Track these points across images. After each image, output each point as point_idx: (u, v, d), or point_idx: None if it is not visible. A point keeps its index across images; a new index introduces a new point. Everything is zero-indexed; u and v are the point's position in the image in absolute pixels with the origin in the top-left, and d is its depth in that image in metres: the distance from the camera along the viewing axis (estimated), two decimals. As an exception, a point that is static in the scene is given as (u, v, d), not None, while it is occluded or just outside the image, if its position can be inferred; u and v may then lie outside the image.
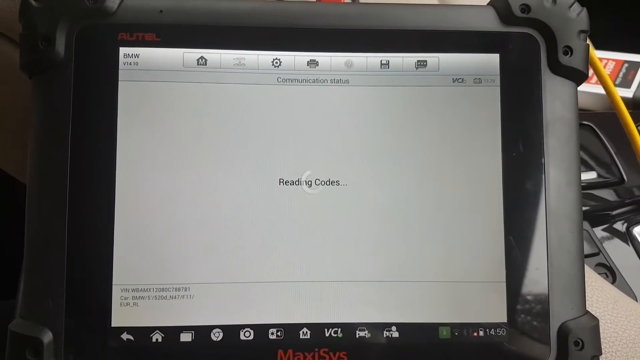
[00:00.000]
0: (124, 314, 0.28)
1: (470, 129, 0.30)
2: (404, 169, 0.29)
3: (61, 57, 0.28)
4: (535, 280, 0.29)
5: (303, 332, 0.28)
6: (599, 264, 0.41)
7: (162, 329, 0.28)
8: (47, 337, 0.27)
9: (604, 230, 0.44)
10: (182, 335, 0.28)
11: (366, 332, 0.28)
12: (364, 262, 0.29)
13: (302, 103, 0.29)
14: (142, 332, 0.28)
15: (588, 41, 0.31)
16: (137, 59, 0.29)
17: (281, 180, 0.29)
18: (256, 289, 0.28)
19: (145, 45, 0.29)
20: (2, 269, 0.51)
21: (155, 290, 0.28)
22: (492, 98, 0.30)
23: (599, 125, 0.48)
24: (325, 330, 0.28)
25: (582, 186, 0.43)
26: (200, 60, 0.29)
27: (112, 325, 0.27)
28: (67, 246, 0.27)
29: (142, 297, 0.28)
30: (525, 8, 0.30)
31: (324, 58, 0.30)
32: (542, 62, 0.30)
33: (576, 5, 0.30)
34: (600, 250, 0.42)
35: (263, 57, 0.29)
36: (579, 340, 0.28)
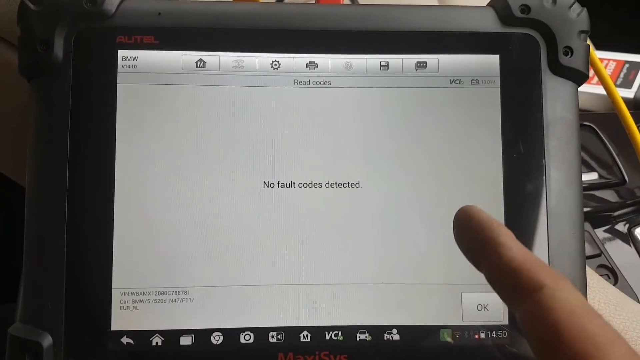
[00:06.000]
0: (124, 318, 0.28)
1: (470, 130, 0.30)
2: (404, 171, 0.29)
3: (59, 61, 0.28)
4: (537, 282, 0.29)
5: (303, 335, 0.28)
6: (601, 266, 0.41)
7: (162, 332, 0.28)
8: (47, 341, 0.27)
9: (605, 231, 0.44)
10: (182, 338, 0.28)
11: (367, 334, 0.28)
12: (365, 264, 0.29)
13: (302, 105, 0.29)
14: (142, 336, 0.28)
15: (588, 41, 0.31)
16: (135, 62, 0.29)
17: (281, 183, 0.29)
18: (256, 292, 0.28)
19: (143, 48, 0.29)
20: (2, 273, 0.51)
21: (155, 293, 0.28)
22: (492, 99, 0.30)
23: (600, 126, 0.48)
24: (326, 333, 0.28)
25: (584, 187, 0.43)
26: (199, 62, 0.29)
27: (112, 328, 0.27)
28: (67, 250, 0.27)
29: (142, 301, 0.28)
30: (525, 8, 0.30)
31: (323, 60, 0.29)
32: (543, 63, 0.30)
33: (576, 6, 0.30)
34: (601, 252, 0.42)
35: (262, 59, 0.29)
36: (581, 342, 0.28)
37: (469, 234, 0.20)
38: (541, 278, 0.18)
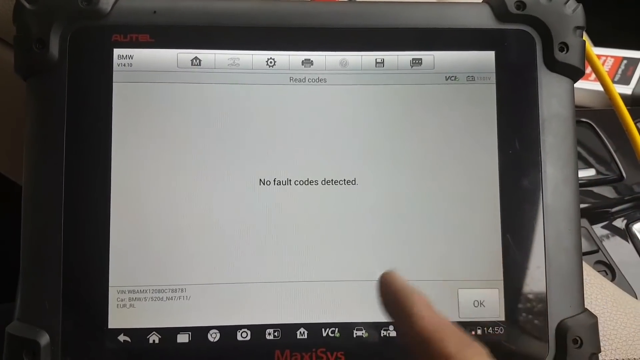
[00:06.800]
0: (121, 316, 0.28)
1: (466, 127, 0.30)
2: (400, 167, 0.29)
3: (55, 59, 0.28)
4: (533, 278, 0.29)
5: (300, 332, 0.28)
6: (598, 262, 0.41)
7: (159, 330, 0.28)
8: (44, 339, 0.27)
9: (603, 227, 0.44)
10: (179, 336, 0.28)
11: (363, 331, 0.28)
12: (361, 261, 0.29)
13: (297, 102, 0.29)
14: (139, 334, 0.28)
15: (585, 37, 0.31)
16: (131, 60, 0.29)
17: (277, 181, 0.29)
18: (253, 290, 0.28)
19: (139, 46, 0.29)
20: (1, 272, 0.51)
21: (151, 291, 0.28)
22: (488, 96, 0.30)
23: (597, 122, 0.48)
24: (323, 330, 0.28)
25: (581, 183, 0.43)
26: (194, 60, 0.29)
27: (109, 326, 0.27)
28: (63, 248, 0.27)
29: (139, 299, 0.28)
30: (521, 5, 0.30)
31: (319, 57, 0.29)
32: (538, 59, 0.30)
33: (572, 2, 0.30)
34: (599, 248, 0.41)
35: (257, 56, 0.29)
36: (578, 338, 0.28)
37: (388, 302, 0.22)
38: (450, 348, 0.20)
